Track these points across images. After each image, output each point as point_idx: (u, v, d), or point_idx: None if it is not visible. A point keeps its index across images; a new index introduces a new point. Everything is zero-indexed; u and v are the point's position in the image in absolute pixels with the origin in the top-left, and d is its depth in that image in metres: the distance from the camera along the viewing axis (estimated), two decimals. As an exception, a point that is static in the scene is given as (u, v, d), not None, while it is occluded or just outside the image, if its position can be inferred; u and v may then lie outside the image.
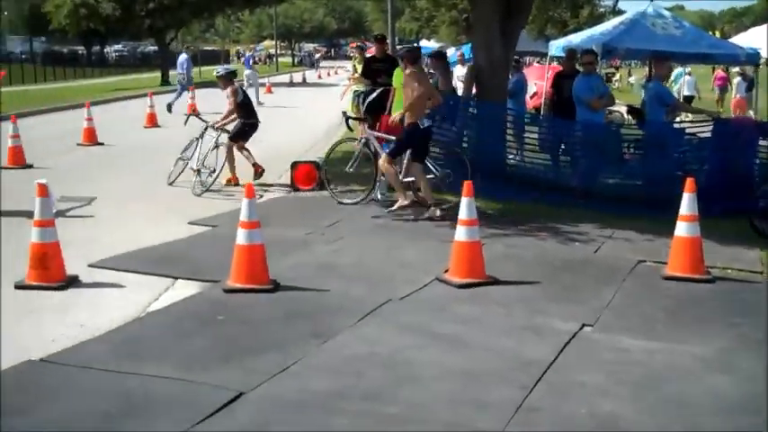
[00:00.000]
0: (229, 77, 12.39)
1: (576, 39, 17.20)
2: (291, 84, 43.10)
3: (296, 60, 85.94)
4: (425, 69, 13.50)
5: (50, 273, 7.07)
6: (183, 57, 25.35)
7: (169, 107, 22.18)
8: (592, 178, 11.49)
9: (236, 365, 5.37)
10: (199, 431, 4.46)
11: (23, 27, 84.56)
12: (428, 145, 10.48)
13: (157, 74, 43.64)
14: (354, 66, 17.86)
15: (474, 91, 12.77)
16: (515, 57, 15.28)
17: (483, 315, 6.56)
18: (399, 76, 12.40)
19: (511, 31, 12.37)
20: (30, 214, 8.75)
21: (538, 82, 20.87)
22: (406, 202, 10.10)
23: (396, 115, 10.37)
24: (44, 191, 7.06)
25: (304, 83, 41.48)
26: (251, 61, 32.64)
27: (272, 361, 5.44)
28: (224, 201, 11.07)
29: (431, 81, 12.82)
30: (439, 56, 14.85)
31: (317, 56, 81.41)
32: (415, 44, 39.76)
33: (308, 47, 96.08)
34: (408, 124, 9.99)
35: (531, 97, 20.06)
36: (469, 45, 34.40)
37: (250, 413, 4.71)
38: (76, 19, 41.73)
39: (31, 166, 13.74)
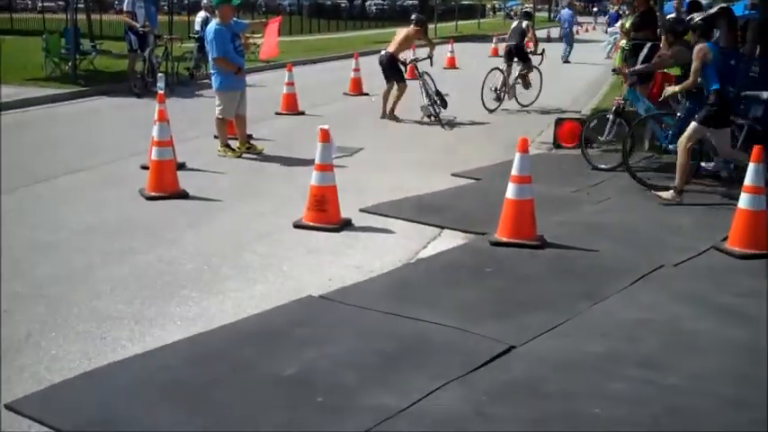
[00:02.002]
0: None
1: None
2: (548, 39, 42.28)
3: (552, 16, 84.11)
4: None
5: (327, 215, 7.41)
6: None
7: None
8: None
9: (506, 319, 5.36)
10: (474, 380, 4.50)
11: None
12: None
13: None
14: (623, 24, 17.13)
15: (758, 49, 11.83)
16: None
17: (766, 289, 6.11)
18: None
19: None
20: (302, 161, 9.24)
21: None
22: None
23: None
24: (326, 136, 7.37)
25: (561, 39, 40.46)
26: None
27: (543, 318, 5.38)
28: (481, 155, 11.05)
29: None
30: (723, 12, 13.83)
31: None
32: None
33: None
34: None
35: None
36: (742, 2, 32.00)
37: (523, 367, 4.69)
38: (342, -28, 43.11)
39: (303, 113, 14.47)
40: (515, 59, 15.95)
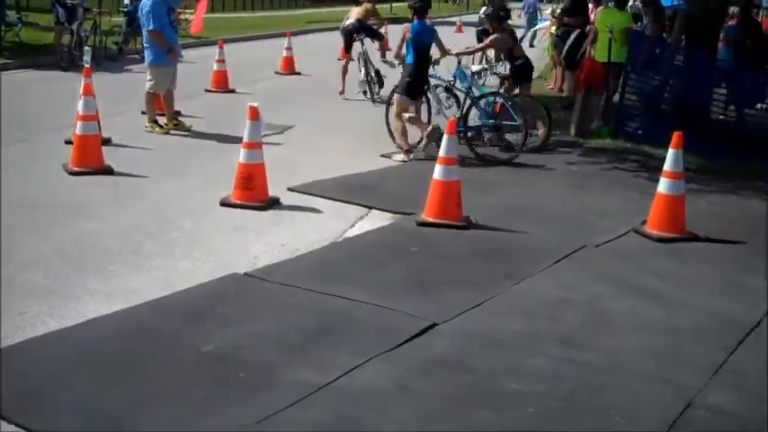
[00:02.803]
0: None
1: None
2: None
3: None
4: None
5: (254, 193, 7.38)
6: None
7: None
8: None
9: (430, 297, 5.44)
10: (396, 356, 4.56)
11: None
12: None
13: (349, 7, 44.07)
14: (554, 10, 17.38)
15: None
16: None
17: (682, 271, 6.33)
18: (605, 18, 12.01)
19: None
20: (231, 138, 9.17)
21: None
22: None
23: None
24: (255, 114, 7.33)
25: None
26: None
27: (466, 296, 5.47)
28: (412, 137, 11.11)
29: (639, 25, 12.37)
30: (650, 0, 14.13)
31: None
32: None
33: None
34: None
35: None
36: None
37: (444, 344, 4.77)
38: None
39: (233, 91, 14.32)
40: None
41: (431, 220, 7.03)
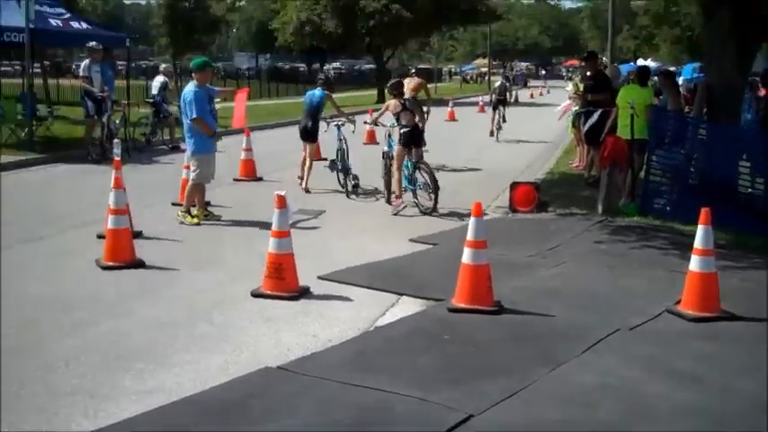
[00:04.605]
0: None
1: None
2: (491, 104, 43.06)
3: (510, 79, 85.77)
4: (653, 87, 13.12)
5: (285, 283, 7.40)
6: None
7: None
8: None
9: (465, 387, 5.36)
10: (432, 451, 4.49)
11: (251, 44, 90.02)
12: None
13: (373, 92, 44.85)
14: (576, 84, 17.55)
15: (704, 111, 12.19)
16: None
17: (719, 352, 6.21)
18: (626, 94, 12.09)
19: (748, 49, 11.69)
20: (260, 226, 9.25)
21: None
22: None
23: None
24: (283, 202, 7.39)
25: (516, 102, 41.16)
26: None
27: (501, 385, 5.40)
28: (441, 219, 11.16)
29: (659, 100, 12.44)
30: (667, 74, 14.32)
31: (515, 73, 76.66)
32: (633, 62, 38.63)
33: (521, 65, 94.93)
34: None
35: None
36: (690, 66, 32.89)
37: (481, 437, 4.69)
38: (301, 36, 43.83)
39: (261, 179, 14.51)
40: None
41: (462, 305, 6.99)
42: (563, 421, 4.91)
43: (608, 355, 6.05)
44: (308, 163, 13.48)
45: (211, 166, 10.60)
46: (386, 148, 12.78)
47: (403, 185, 11.84)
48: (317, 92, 13.51)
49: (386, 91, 15.19)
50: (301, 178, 13.45)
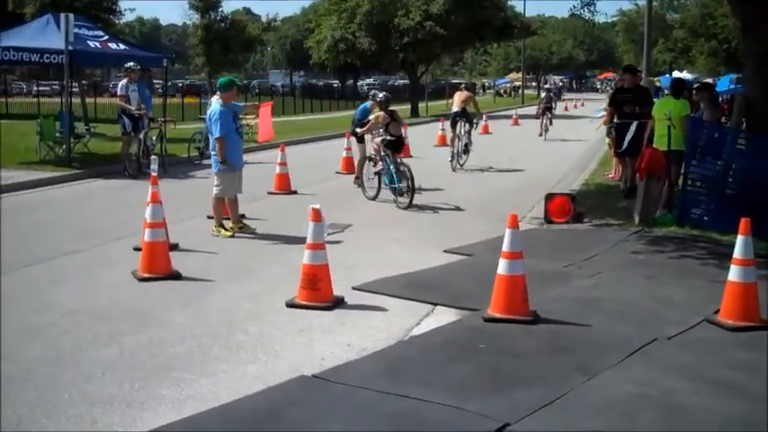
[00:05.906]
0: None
1: None
2: (538, 116, 42.95)
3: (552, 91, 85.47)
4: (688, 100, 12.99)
5: (320, 293, 7.41)
6: None
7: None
8: None
9: (501, 396, 5.32)
10: (468, 459, 4.45)
11: (285, 62, 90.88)
12: None
13: (406, 106, 44.89)
14: (612, 95, 17.45)
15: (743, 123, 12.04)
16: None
17: (760, 361, 6.09)
18: (662, 106, 12.00)
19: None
20: (294, 239, 9.29)
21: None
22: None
23: None
24: (318, 216, 7.42)
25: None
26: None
27: (537, 394, 5.35)
28: (475, 228, 11.12)
29: (696, 113, 12.32)
30: (705, 86, 14.18)
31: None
32: (669, 75, 38.35)
33: (555, 78, 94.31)
34: None
35: None
36: (728, 77, 32.65)
37: (518, 445, 4.65)
38: (335, 53, 43.99)
39: (295, 192, 14.58)
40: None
41: (498, 315, 6.95)
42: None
43: (646, 365, 5.97)
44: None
45: (235, 182, 10.72)
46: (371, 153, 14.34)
47: (384, 184, 13.71)
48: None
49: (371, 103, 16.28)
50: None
